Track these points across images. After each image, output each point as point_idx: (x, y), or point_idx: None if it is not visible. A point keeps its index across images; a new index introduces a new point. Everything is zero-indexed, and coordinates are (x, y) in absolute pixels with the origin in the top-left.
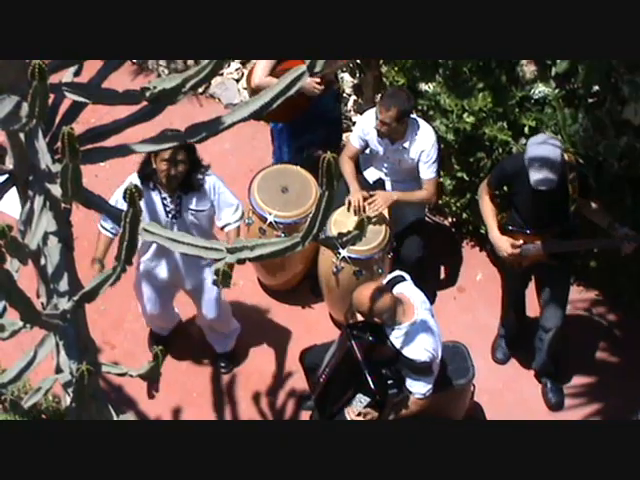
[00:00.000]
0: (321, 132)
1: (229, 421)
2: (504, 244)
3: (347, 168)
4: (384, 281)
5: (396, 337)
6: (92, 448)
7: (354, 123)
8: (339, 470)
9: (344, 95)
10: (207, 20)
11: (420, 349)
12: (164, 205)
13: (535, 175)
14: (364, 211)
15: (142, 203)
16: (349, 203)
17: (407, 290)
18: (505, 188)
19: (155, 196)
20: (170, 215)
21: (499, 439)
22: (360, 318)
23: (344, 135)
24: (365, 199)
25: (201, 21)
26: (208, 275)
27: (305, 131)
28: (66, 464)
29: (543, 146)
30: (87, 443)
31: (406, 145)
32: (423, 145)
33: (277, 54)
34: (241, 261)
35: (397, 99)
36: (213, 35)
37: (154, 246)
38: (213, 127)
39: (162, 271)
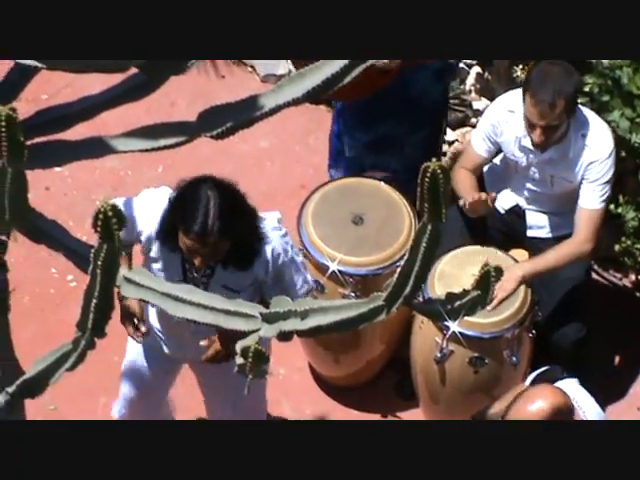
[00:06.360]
0: (409, 124)
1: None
2: None
3: (464, 187)
4: (527, 380)
5: None
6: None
7: (476, 113)
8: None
9: (461, 66)
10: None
11: None
12: (184, 268)
13: None
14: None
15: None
16: None
17: (573, 393)
18: None
19: (171, 253)
20: (191, 284)
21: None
22: None
23: (454, 133)
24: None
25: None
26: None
27: (381, 118)
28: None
29: None
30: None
31: (569, 153)
32: (594, 152)
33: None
34: (285, 336)
35: (556, 80)
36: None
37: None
38: (244, 113)
39: (167, 343)
